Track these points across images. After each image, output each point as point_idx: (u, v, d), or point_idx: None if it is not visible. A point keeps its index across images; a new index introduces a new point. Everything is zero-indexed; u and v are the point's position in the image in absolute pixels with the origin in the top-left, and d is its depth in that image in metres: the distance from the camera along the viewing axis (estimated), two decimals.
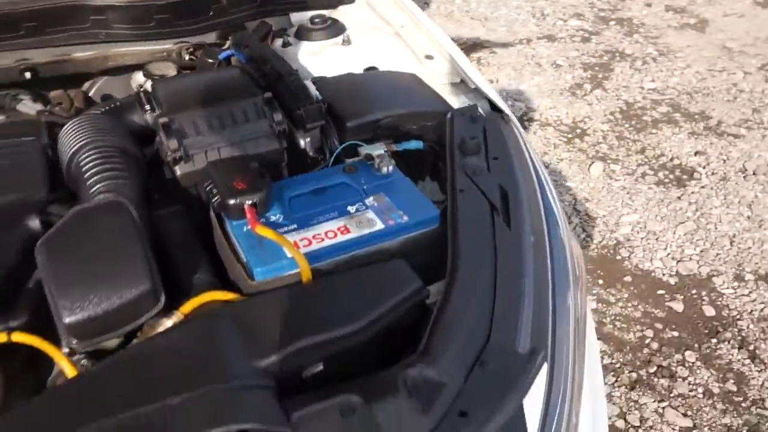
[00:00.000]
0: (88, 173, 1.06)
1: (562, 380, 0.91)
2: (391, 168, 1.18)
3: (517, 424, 0.82)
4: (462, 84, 1.38)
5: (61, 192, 1.10)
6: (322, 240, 1.04)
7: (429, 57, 1.43)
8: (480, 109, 1.29)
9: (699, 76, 3.81)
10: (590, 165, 3.09)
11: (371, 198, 1.12)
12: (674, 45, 4.19)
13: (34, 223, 1.01)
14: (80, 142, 1.11)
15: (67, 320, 0.86)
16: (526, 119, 3.48)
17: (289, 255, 0.99)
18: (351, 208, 1.10)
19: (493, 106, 1.33)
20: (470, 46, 4.26)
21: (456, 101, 1.33)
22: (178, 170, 1.17)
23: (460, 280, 0.95)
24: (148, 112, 1.23)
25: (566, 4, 4.89)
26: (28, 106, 1.41)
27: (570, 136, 3.33)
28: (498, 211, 1.07)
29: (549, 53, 4.17)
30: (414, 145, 1.25)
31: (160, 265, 0.96)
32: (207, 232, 1.13)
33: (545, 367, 0.89)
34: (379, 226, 1.06)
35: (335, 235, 1.05)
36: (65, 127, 1.18)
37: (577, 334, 1.02)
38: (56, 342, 0.91)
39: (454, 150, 1.18)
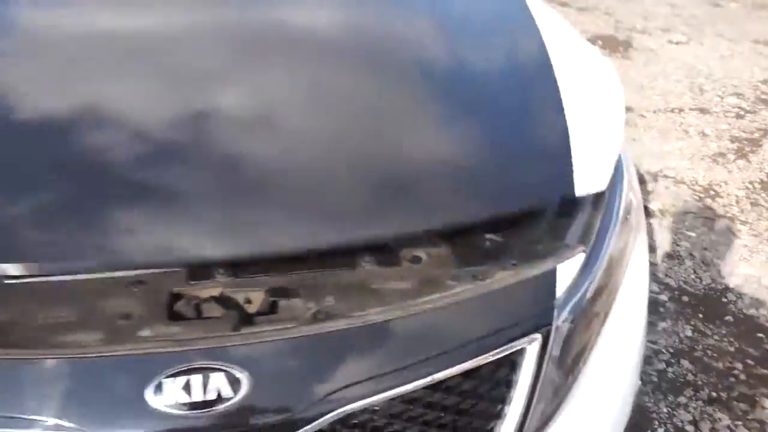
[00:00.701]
0: None
1: (596, 272, 1.20)
2: None
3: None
4: None
5: None
6: None
7: None
8: None
9: None
10: (716, 221, 3.20)
11: None
12: None
13: None
14: None
15: None
16: (661, 176, 3.65)
17: None
18: None
19: None
20: None
21: None
22: None
23: None
24: None
25: (728, 84, 4.99)
26: None
27: (702, 195, 3.46)
28: None
29: (698, 123, 4.30)
30: None
31: None
32: None
33: (582, 256, 1.19)
34: None
35: None
36: None
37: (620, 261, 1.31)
38: None
39: None
